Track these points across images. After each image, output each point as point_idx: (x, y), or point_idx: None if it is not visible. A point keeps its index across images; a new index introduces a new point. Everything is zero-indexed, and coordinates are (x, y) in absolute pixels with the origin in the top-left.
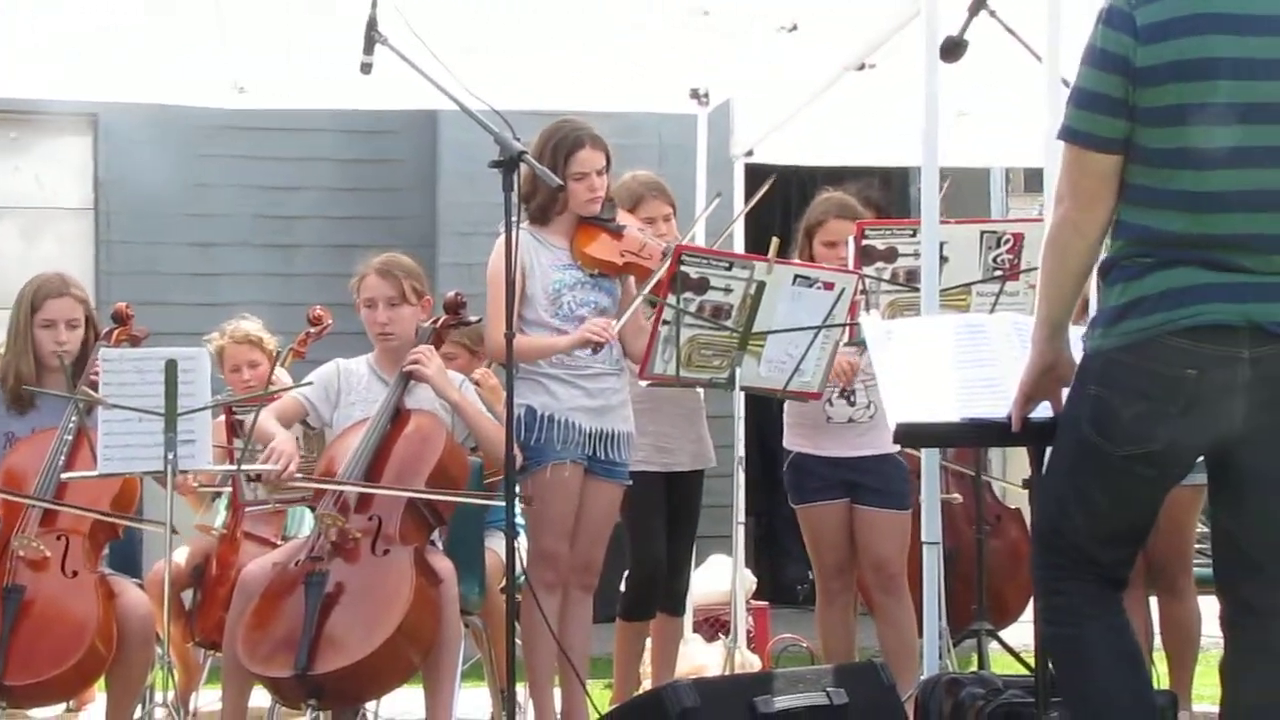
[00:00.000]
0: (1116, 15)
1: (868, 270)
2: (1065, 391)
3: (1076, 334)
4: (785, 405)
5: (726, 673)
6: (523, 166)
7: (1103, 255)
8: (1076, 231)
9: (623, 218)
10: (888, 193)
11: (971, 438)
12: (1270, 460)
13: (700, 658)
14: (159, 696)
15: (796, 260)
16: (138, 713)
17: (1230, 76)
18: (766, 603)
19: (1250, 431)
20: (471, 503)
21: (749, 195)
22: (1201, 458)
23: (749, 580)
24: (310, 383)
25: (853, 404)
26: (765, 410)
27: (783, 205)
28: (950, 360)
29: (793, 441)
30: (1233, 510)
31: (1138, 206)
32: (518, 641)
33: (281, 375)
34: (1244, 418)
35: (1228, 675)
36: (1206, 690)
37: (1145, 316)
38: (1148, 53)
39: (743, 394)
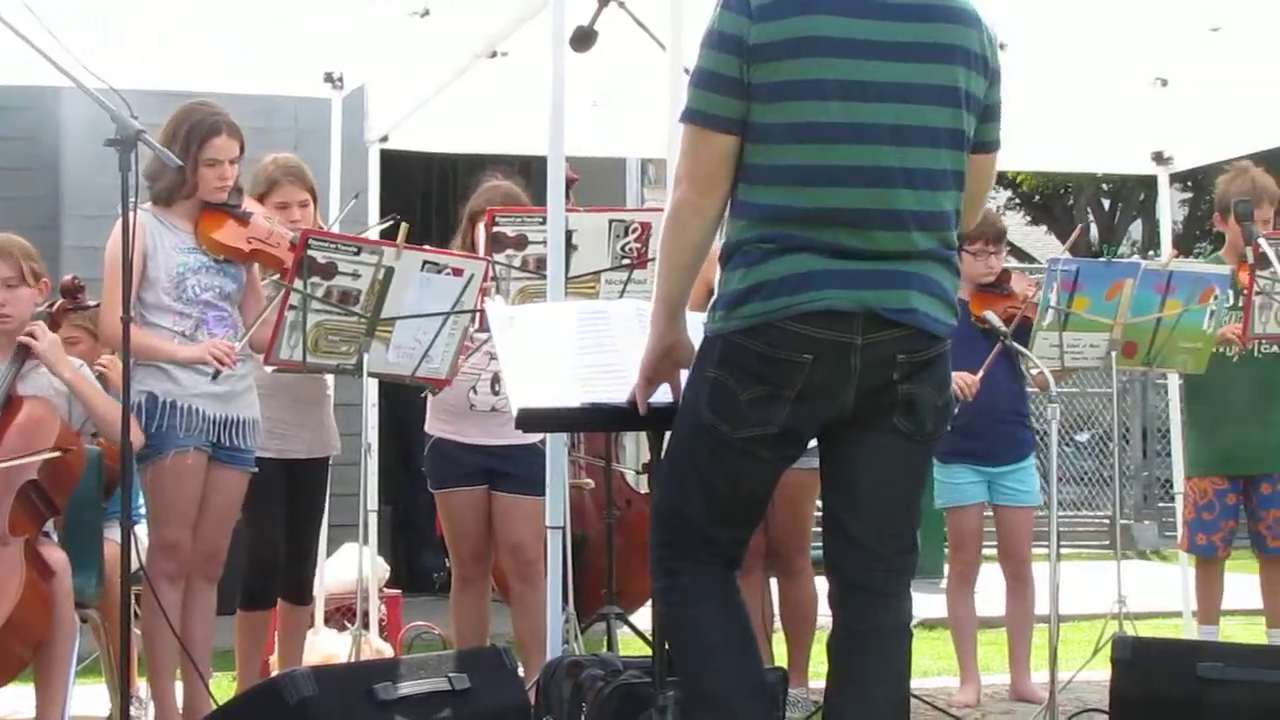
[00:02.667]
0: None
1: (498, 257)
2: (684, 375)
3: (697, 320)
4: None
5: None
6: (144, 147)
7: (722, 238)
8: (695, 213)
9: (250, 205)
10: (527, 180)
11: (592, 422)
12: (877, 446)
13: (330, 647)
14: None
15: (426, 246)
16: None
17: (839, 55)
18: (399, 591)
19: (859, 416)
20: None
21: (385, 183)
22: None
23: (382, 568)
24: None
25: (497, 393)
26: (404, 398)
27: (423, 192)
28: (572, 346)
29: (435, 426)
30: (842, 495)
31: (754, 185)
32: (137, 633)
33: None
34: (854, 403)
35: (834, 651)
36: (825, 667)
37: (765, 301)
38: (761, 31)
39: (375, 381)
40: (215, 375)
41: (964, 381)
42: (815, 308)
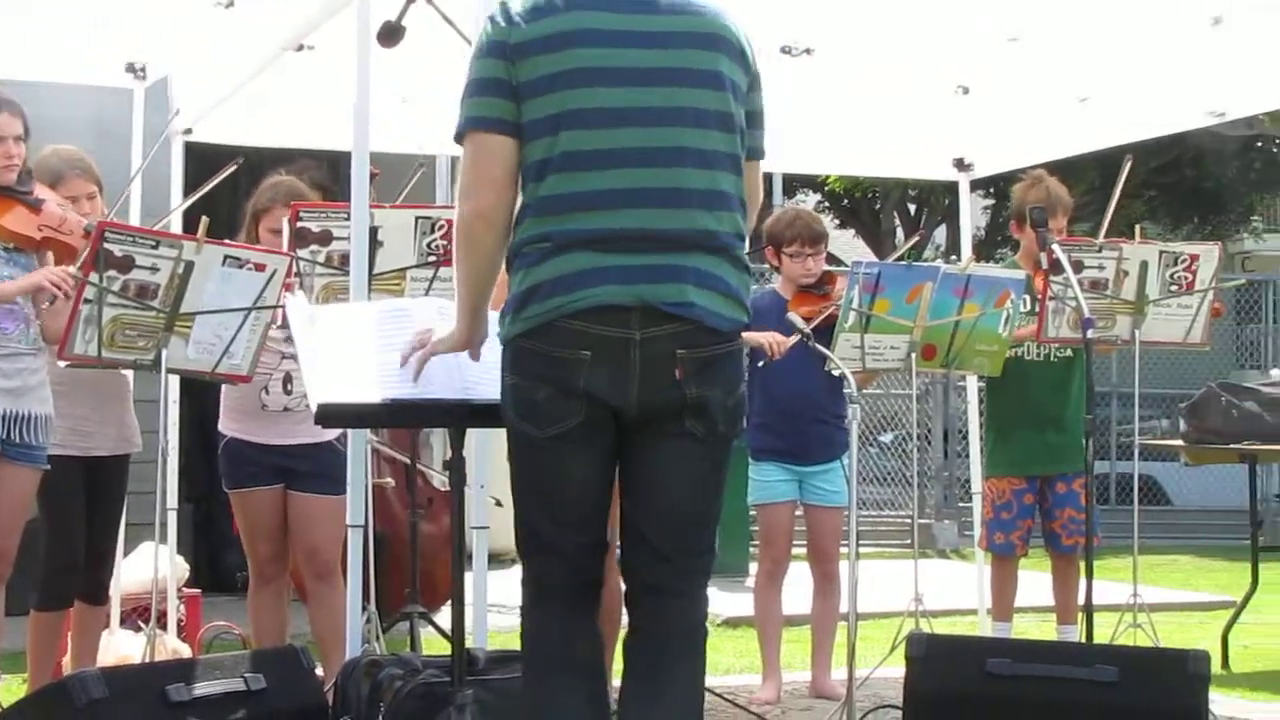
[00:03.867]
0: (496, 11)
1: (302, 253)
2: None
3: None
4: (223, 389)
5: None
6: None
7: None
8: (487, 224)
9: (42, 191)
10: (335, 176)
11: (393, 418)
12: (670, 450)
13: (126, 648)
14: None
15: (228, 240)
16: None
17: (601, 45)
18: (199, 590)
19: (651, 419)
20: None
21: (187, 173)
22: None
23: (181, 568)
24: None
25: (289, 392)
26: (208, 394)
27: (231, 186)
28: (374, 344)
29: (228, 426)
30: (636, 498)
31: (530, 183)
32: None
33: None
34: (639, 400)
35: (629, 651)
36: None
37: (543, 301)
38: (522, 32)
39: (175, 377)
40: (51, 302)
41: (774, 339)
42: (589, 304)
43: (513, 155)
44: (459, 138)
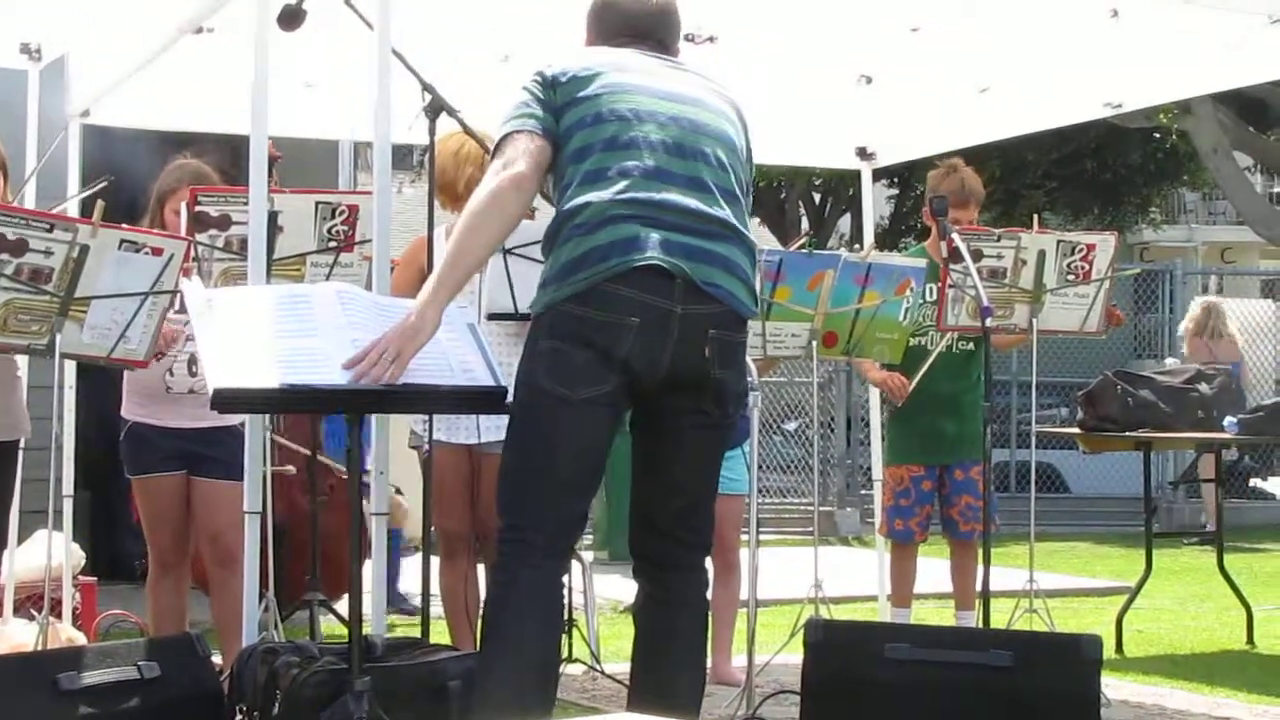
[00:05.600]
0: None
1: (201, 237)
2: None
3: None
4: (124, 373)
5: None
6: None
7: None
8: (517, 188)
9: None
10: (236, 160)
11: (291, 404)
12: (687, 433)
13: (20, 637)
14: None
15: (124, 225)
16: None
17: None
18: (95, 578)
19: (664, 390)
20: None
21: (89, 159)
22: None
23: (77, 555)
24: None
25: (194, 374)
26: (106, 380)
27: (131, 169)
28: (272, 329)
29: (131, 411)
30: (643, 474)
31: (573, 165)
32: None
33: None
34: (666, 372)
35: (639, 619)
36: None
37: (595, 266)
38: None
39: (72, 363)
40: None
41: None
42: (638, 263)
43: (546, 156)
44: (499, 143)
